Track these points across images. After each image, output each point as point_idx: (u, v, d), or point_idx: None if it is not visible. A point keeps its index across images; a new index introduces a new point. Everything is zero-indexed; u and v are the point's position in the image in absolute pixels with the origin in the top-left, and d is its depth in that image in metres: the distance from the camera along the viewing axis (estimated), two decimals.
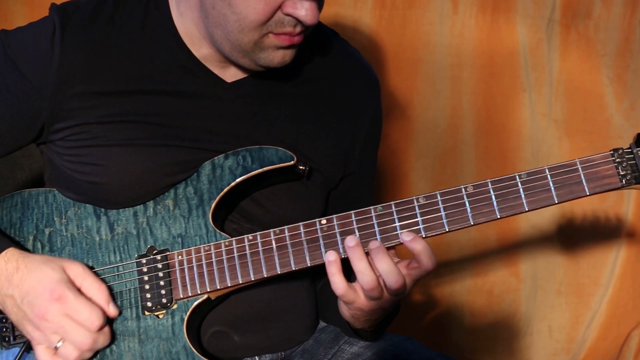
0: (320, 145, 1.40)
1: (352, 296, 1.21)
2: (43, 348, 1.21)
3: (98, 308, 1.22)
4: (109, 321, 1.25)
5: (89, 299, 1.22)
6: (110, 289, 1.27)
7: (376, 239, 1.21)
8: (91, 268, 1.29)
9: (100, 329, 1.21)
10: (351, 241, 1.19)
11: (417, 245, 1.18)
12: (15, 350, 1.29)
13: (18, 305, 1.21)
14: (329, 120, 1.41)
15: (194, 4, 1.28)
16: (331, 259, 1.18)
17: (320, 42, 1.43)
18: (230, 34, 1.23)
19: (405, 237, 1.18)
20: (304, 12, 1.20)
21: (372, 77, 1.49)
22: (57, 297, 1.19)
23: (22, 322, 1.22)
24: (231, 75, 1.36)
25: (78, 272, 1.24)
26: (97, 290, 1.24)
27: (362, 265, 1.18)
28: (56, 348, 1.20)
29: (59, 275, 1.21)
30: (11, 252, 1.24)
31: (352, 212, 1.23)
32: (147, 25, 1.33)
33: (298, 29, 1.24)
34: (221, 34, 1.25)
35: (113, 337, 1.26)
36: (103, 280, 1.27)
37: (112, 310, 1.25)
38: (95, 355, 1.26)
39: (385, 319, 1.35)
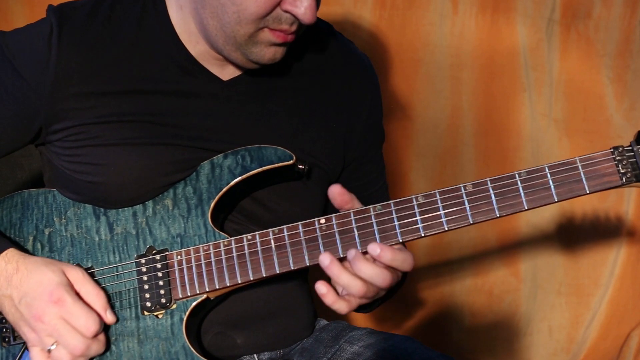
0: (318, 138, 1.40)
1: (345, 305, 1.21)
2: (37, 350, 1.21)
3: (95, 314, 1.21)
4: (104, 328, 1.25)
5: (87, 305, 1.22)
6: (109, 290, 1.28)
7: (355, 248, 1.21)
8: (90, 268, 1.30)
9: (95, 335, 1.21)
10: (325, 260, 1.18)
11: (385, 258, 1.18)
12: (15, 350, 1.29)
13: (16, 305, 1.21)
14: (327, 113, 1.41)
15: None
16: (326, 263, 1.18)
17: (315, 35, 1.43)
18: (226, 26, 1.24)
19: (372, 251, 1.18)
20: (303, 10, 1.21)
21: (368, 67, 1.50)
22: (55, 299, 1.19)
23: (18, 322, 1.22)
24: (228, 73, 1.37)
25: (78, 277, 1.24)
26: (95, 297, 1.24)
27: (345, 279, 1.18)
28: (49, 351, 1.20)
29: (59, 278, 1.21)
30: (11, 253, 1.24)
31: (350, 211, 1.22)
32: (143, 25, 1.34)
33: (294, 27, 1.25)
34: (216, 25, 1.25)
35: (108, 346, 1.26)
36: (103, 288, 1.27)
37: (109, 317, 1.24)
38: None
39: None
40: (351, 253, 1.18)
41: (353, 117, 1.44)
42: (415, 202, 1.21)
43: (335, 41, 1.47)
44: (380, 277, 1.18)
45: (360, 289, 1.18)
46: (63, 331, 1.18)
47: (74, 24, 1.31)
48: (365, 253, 1.19)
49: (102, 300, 1.24)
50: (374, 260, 1.19)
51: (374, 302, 1.33)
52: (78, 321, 1.19)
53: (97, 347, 1.22)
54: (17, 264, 1.22)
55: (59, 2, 1.36)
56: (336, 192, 1.23)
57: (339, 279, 1.18)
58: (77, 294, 1.23)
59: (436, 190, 1.21)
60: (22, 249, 1.30)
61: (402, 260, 1.19)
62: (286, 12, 1.22)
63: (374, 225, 1.21)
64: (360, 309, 1.28)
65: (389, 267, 1.19)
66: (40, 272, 1.21)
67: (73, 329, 1.19)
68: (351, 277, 1.18)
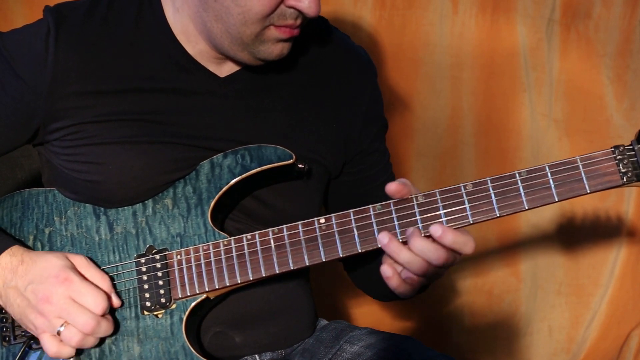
0: (317, 133, 1.40)
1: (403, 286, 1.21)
2: (48, 336, 1.21)
3: (102, 292, 1.22)
4: (111, 312, 1.25)
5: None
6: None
7: (417, 226, 1.19)
8: None
9: (104, 314, 1.22)
10: (384, 238, 1.18)
11: (446, 240, 1.16)
12: (15, 349, 1.29)
13: (22, 293, 1.21)
14: (325, 107, 1.42)
15: None
16: (385, 241, 1.18)
17: (311, 30, 1.43)
18: (232, 27, 1.24)
19: (434, 232, 1.16)
20: (307, 3, 1.22)
21: (366, 60, 1.50)
22: (62, 279, 1.20)
23: (25, 311, 1.22)
24: (226, 70, 1.37)
25: (82, 263, 1.25)
26: (100, 280, 1.25)
27: (405, 255, 1.17)
28: (59, 333, 1.20)
29: (63, 261, 1.22)
30: (16, 248, 1.25)
31: (350, 211, 1.23)
32: (140, 24, 1.34)
33: (299, 21, 1.26)
34: (221, 27, 1.26)
35: (115, 330, 1.26)
36: (105, 272, 1.27)
37: (115, 300, 1.25)
38: (95, 347, 1.25)
39: None
40: (409, 230, 1.17)
41: (353, 109, 1.44)
42: (415, 202, 1.21)
43: (331, 35, 1.47)
44: (434, 254, 1.16)
45: (421, 265, 1.17)
46: (72, 310, 1.19)
47: (71, 24, 1.32)
48: (427, 236, 1.18)
49: (107, 283, 1.25)
50: (434, 241, 1.17)
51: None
52: (86, 299, 1.20)
53: (106, 325, 1.22)
54: (22, 256, 1.24)
55: (56, 2, 1.36)
56: (394, 190, 1.20)
57: (399, 256, 1.17)
58: (83, 277, 1.23)
59: (436, 190, 1.21)
60: (25, 246, 1.31)
61: (463, 242, 1.17)
62: (290, 7, 1.23)
63: (374, 224, 1.21)
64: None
65: (447, 248, 1.17)
66: (44, 259, 1.23)
67: (82, 307, 1.19)
68: (411, 254, 1.17)
